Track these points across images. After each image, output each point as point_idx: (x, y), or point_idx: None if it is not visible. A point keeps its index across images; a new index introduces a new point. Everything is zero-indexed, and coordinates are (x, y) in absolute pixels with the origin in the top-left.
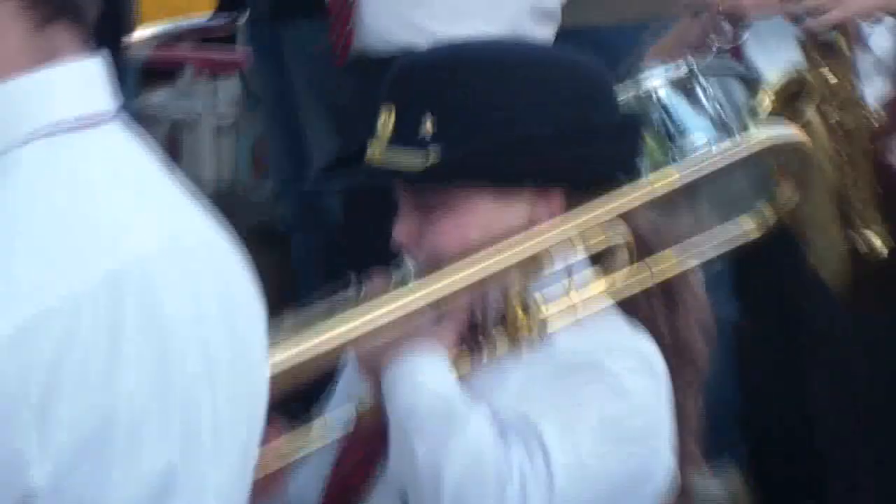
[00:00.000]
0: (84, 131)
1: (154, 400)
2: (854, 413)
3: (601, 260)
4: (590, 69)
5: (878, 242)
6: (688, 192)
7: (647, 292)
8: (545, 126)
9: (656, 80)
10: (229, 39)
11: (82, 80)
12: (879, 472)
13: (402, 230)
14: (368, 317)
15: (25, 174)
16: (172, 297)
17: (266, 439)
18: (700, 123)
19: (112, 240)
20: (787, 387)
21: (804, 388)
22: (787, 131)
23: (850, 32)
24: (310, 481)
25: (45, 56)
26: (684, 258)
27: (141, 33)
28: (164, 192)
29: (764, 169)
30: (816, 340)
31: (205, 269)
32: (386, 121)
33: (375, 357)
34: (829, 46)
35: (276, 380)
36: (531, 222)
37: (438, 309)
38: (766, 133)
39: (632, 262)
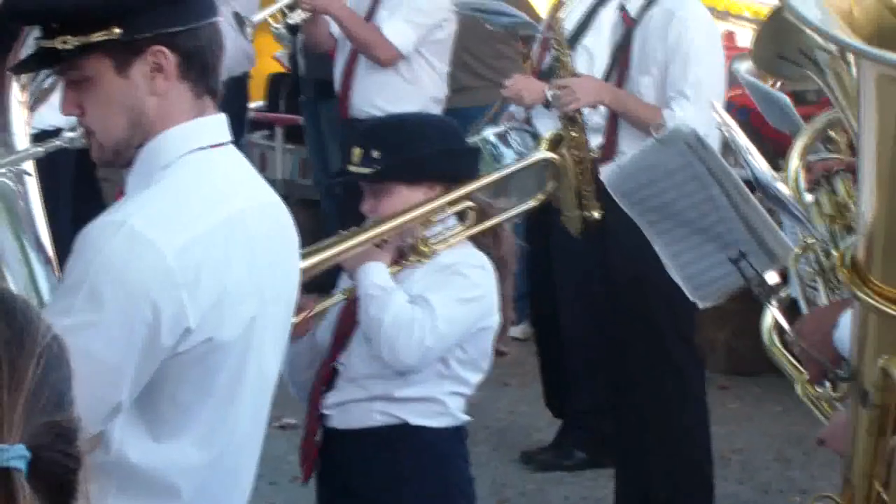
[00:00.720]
0: (216, 150)
1: (247, 283)
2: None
3: (462, 217)
4: (451, 123)
5: (596, 214)
6: (503, 185)
7: (483, 233)
8: (435, 151)
9: (490, 133)
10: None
11: (216, 125)
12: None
13: (366, 205)
14: (349, 244)
15: (185, 169)
16: (257, 232)
17: (303, 306)
18: (510, 155)
19: (226, 201)
20: (546, 280)
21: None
22: (549, 154)
23: (580, 111)
24: (325, 329)
25: (199, 112)
26: (502, 217)
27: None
28: (254, 180)
29: (540, 176)
30: (564, 258)
31: (270, 219)
32: (356, 153)
33: (352, 265)
34: (572, 119)
35: (308, 272)
36: (427, 200)
37: (382, 241)
38: (542, 154)
39: (477, 220)
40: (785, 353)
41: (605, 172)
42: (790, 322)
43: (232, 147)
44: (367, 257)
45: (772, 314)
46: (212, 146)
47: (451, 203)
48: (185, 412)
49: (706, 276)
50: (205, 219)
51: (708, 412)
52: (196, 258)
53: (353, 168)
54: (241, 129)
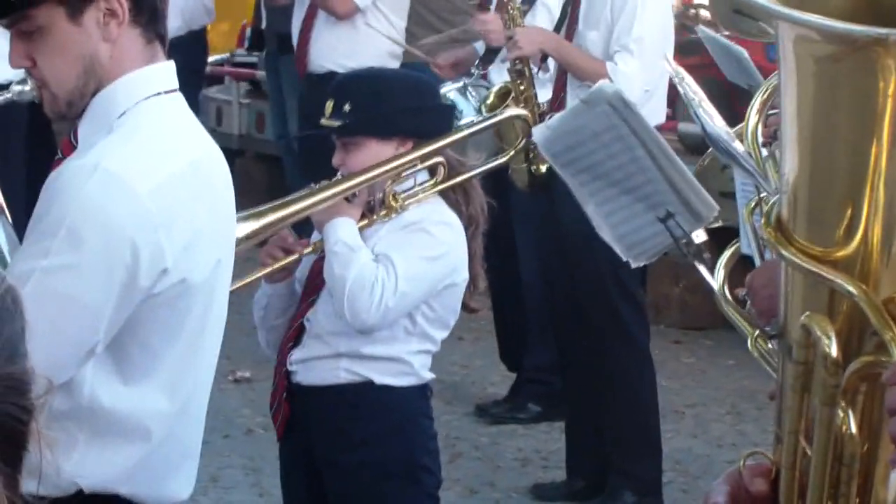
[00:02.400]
0: (168, 96)
1: (212, 226)
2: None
3: (432, 173)
4: (426, 80)
5: (542, 168)
6: (472, 141)
7: (453, 190)
8: (407, 106)
9: (449, 90)
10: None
11: (167, 71)
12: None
13: (336, 158)
14: (318, 197)
15: (143, 114)
16: (214, 177)
17: (292, 249)
18: (469, 111)
19: (187, 146)
20: (502, 236)
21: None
22: (523, 111)
23: (529, 64)
24: (300, 275)
25: (150, 58)
26: (472, 173)
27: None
28: (200, 129)
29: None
30: (520, 214)
31: (220, 167)
32: (328, 106)
33: (321, 218)
34: (521, 72)
35: (277, 225)
36: (398, 155)
37: (352, 195)
38: (514, 111)
39: (447, 176)
40: (736, 307)
41: (536, 133)
42: (736, 277)
43: (180, 94)
44: (337, 211)
45: (705, 270)
46: (165, 92)
47: (422, 158)
48: (155, 356)
49: (637, 235)
50: (172, 161)
51: (654, 367)
52: (169, 199)
53: (324, 121)
54: (200, 82)
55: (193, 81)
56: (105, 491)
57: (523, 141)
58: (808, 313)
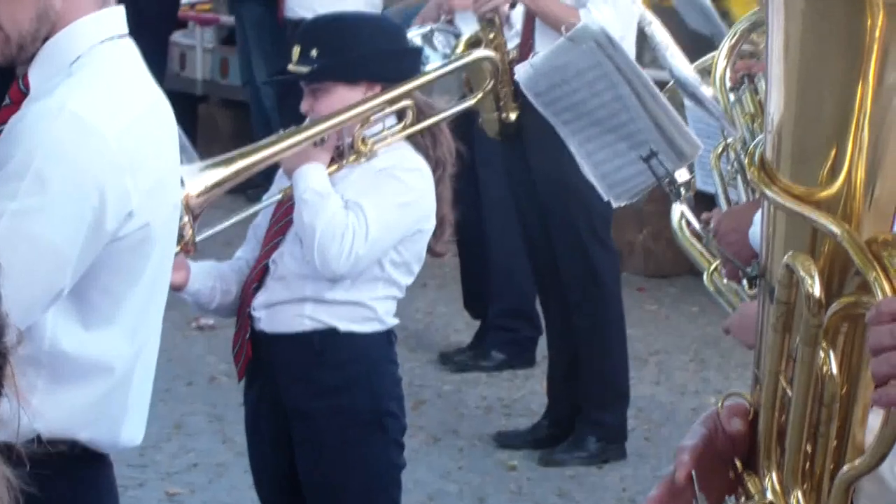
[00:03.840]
0: (121, 41)
1: (172, 169)
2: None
3: (400, 116)
4: (392, 22)
5: (512, 115)
6: (426, 86)
7: (421, 134)
8: (374, 50)
9: (415, 34)
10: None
11: (119, 16)
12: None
13: (304, 104)
14: (287, 143)
15: (100, 58)
16: (170, 122)
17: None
18: (435, 56)
19: (144, 90)
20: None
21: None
22: (491, 53)
23: (499, 12)
24: (259, 225)
25: (101, 4)
26: (440, 116)
27: None
28: (148, 74)
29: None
30: (487, 161)
31: (170, 111)
32: (295, 51)
33: (290, 165)
34: (491, 21)
35: (247, 171)
36: (366, 99)
37: (320, 140)
38: (482, 52)
39: (415, 119)
40: (694, 242)
41: (519, 72)
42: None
43: (130, 39)
44: (306, 157)
45: (680, 210)
46: (118, 37)
47: (391, 102)
48: (116, 301)
49: (619, 174)
50: (135, 104)
51: (623, 314)
52: (135, 142)
53: (291, 67)
54: (171, 28)
55: (166, 28)
56: (64, 436)
57: (491, 83)
58: (791, 253)
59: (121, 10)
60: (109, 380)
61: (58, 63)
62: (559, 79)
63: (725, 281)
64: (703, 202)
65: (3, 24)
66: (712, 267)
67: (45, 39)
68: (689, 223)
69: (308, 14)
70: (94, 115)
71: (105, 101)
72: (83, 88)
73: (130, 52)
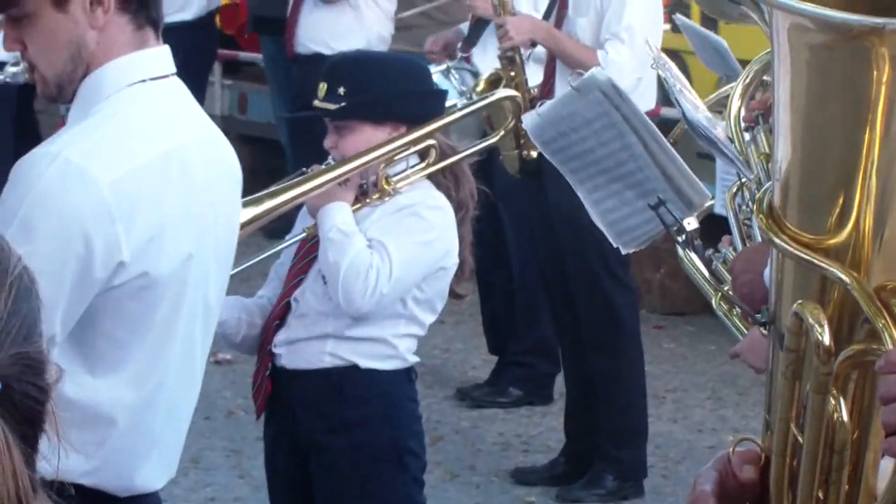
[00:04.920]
0: (158, 82)
1: (184, 219)
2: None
3: (423, 156)
4: (419, 64)
5: (533, 153)
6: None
7: (444, 174)
8: (401, 91)
9: (433, 73)
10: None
11: (158, 57)
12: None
13: (328, 141)
14: (312, 184)
15: (124, 102)
16: (197, 167)
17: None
18: (452, 93)
19: (165, 135)
20: (490, 220)
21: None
22: (514, 92)
23: (519, 50)
24: (282, 264)
25: (140, 44)
26: (463, 154)
27: None
28: (197, 115)
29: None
30: (507, 199)
31: (211, 155)
32: (322, 88)
33: (315, 204)
34: (511, 59)
35: (274, 211)
36: (392, 139)
37: (345, 179)
38: (505, 92)
39: (438, 159)
40: (700, 267)
41: (526, 120)
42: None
43: (175, 80)
44: (331, 196)
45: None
46: (153, 79)
47: (414, 142)
48: (122, 348)
49: (628, 222)
50: (142, 152)
51: (643, 353)
52: (132, 191)
53: (318, 103)
54: (210, 65)
55: (204, 65)
56: (66, 479)
57: (513, 122)
58: (800, 301)
59: (162, 51)
60: (112, 429)
61: (87, 104)
62: (567, 127)
63: (734, 308)
64: (713, 229)
65: (39, 65)
66: (720, 294)
67: (83, 79)
68: (696, 250)
69: (321, 49)
70: (88, 161)
71: (104, 147)
72: (85, 134)
73: (164, 92)
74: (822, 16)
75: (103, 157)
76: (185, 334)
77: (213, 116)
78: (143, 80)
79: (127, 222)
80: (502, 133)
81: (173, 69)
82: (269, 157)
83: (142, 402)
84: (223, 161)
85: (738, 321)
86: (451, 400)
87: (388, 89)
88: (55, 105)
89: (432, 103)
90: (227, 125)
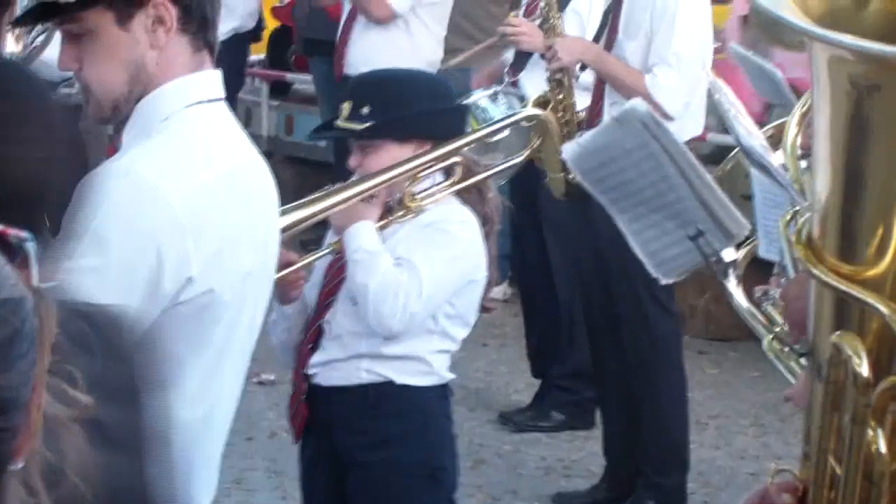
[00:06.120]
0: (212, 105)
1: (244, 237)
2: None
3: (448, 173)
4: (441, 81)
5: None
6: (493, 144)
7: (468, 191)
8: (425, 109)
9: (480, 97)
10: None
11: (212, 80)
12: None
13: (353, 160)
14: (336, 198)
15: (183, 121)
16: (251, 187)
17: (289, 262)
18: (499, 114)
19: (224, 155)
20: (533, 243)
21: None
22: (535, 110)
23: (568, 73)
24: (312, 287)
25: (197, 66)
26: (488, 173)
27: None
28: (243, 137)
29: (528, 137)
30: (552, 221)
31: (260, 176)
32: (346, 108)
33: (340, 222)
34: (559, 81)
35: (295, 226)
36: (416, 156)
37: (370, 196)
38: (529, 111)
39: (463, 176)
40: (753, 309)
41: (567, 150)
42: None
43: (224, 103)
44: (355, 214)
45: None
46: (208, 101)
47: (439, 159)
48: (180, 366)
49: (667, 252)
50: (207, 169)
51: (686, 381)
52: (200, 207)
53: (341, 123)
54: (240, 84)
55: (236, 83)
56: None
57: (539, 142)
58: (838, 332)
59: (216, 74)
60: (167, 450)
61: (146, 124)
62: (606, 157)
63: (786, 349)
64: (763, 269)
65: (92, 87)
66: (771, 335)
67: (139, 100)
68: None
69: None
70: (159, 177)
71: (174, 164)
72: (154, 151)
73: (217, 115)
74: (860, 48)
75: (172, 173)
76: (237, 354)
77: (259, 137)
78: (201, 102)
79: (196, 238)
80: (527, 153)
81: (224, 93)
82: (314, 177)
83: (197, 420)
84: (269, 183)
85: (789, 363)
86: (493, 424)
87: (412, 108)
88: (98, 126)
89: (455, 120)
90: (274, 146)
